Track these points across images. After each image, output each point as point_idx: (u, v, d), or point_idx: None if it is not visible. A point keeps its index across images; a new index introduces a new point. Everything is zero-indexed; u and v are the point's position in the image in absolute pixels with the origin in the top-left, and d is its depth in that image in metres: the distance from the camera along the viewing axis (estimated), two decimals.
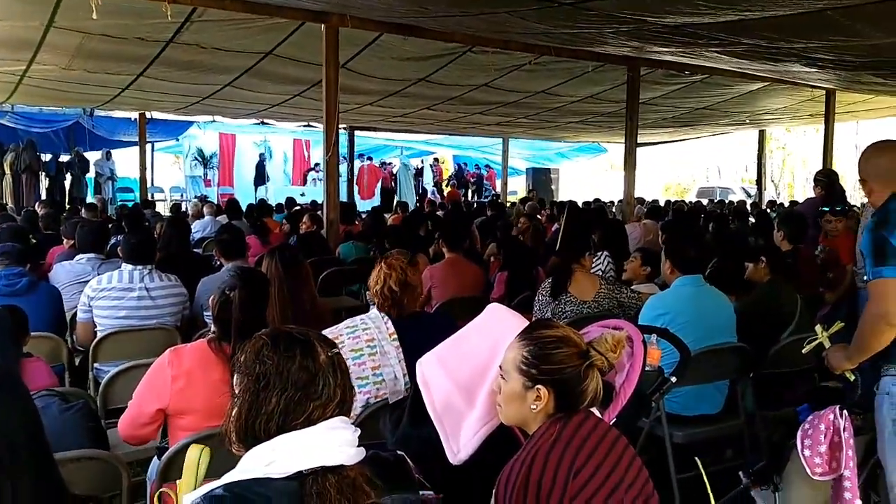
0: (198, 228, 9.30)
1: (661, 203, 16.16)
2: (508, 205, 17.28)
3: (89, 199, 15.75)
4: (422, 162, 24.55)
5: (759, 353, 3.79)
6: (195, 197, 17.61)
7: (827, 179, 6.90)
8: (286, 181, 22.16)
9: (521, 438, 1.99)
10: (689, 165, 34.22)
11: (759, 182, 18.95)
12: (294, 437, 1.46)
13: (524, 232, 8.06)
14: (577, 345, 1.87)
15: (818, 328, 2.82)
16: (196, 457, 1.68)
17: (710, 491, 1.59)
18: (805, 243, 5.95)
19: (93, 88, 10.89)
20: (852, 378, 2.69)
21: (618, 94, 10.74)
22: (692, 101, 12.97)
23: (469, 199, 22.82)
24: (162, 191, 20.56)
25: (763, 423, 3.80)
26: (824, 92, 11.92)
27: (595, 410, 1.96)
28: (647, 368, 2.19)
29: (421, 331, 2.79)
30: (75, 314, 4.31)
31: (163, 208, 16.92)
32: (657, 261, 5.09)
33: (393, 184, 21.90)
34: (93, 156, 17.51)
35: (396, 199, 19.46)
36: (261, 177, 20.78)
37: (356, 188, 20.46)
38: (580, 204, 13.66)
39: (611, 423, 2.02)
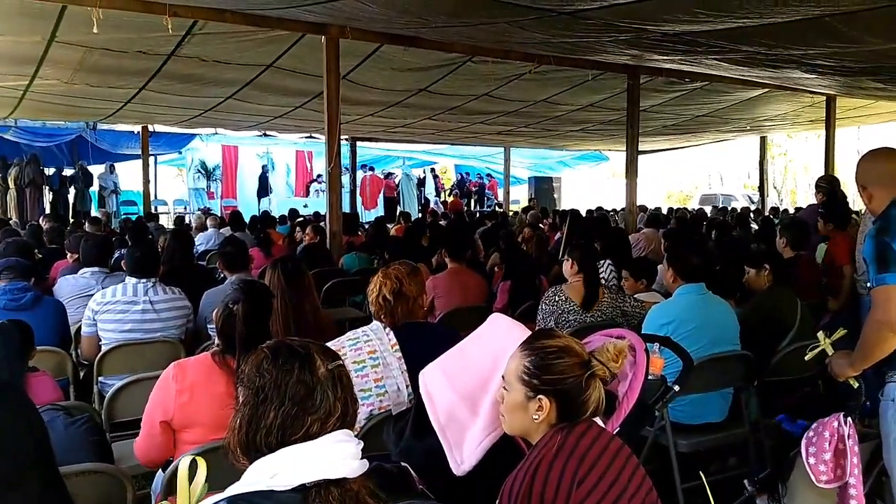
0: (201, 241, 9.32)
1: (664, 211, 16.18)
2: (511, 214, 17.30)
3: (93, 212, 15.80)
4: (423, 172, 24.59)
5: (761, 361, 3.79)
6: (198, 209, 17.66)
7: (829, 186, 6.89)
8: (289, 192, 22.22)
9: (525, 448, 1.99)
10: (692, 173, 34.24)
11: (761, 189, 18.94)
12: (298, 449, 1.47)
13: (527, 241, 8.07)
14: (578, 355, 1.87)
15: (821, 335, 2.82)
16: (186, 468, 1.69)
17: (712, 501, 1.59)
18: (807, 250, 5.96)
19: (95, 102, 10.95)
20: (856, 385, 2.69)
21: (618, 102, 10.77)
22: (693, 109, 12.98)
23: (471, 208, 22.86)
24: (165, 203, 20.62)
25: (767, 431, 3.78)
26: (825, 98, 11.93)
27: (598, 420, 1.96)
28: (649, 377, 2.19)
29: (423, 341, 2.79)
30: (80, 328, 4.32)
31: (166, 221, 16.97)
32: (650, 271, 5.11)
33: (396, 194, 21.93)
34: (96, 169, 17.57)
35: (399, 209, 19.48)
36: (264, 188, 20.85)
37: (359, 199, 20.50)
38: (583, 212, 13.69)
39: (614, 432, 2.01)
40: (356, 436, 2.43)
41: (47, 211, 15.35)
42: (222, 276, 5.06)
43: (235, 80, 9.48)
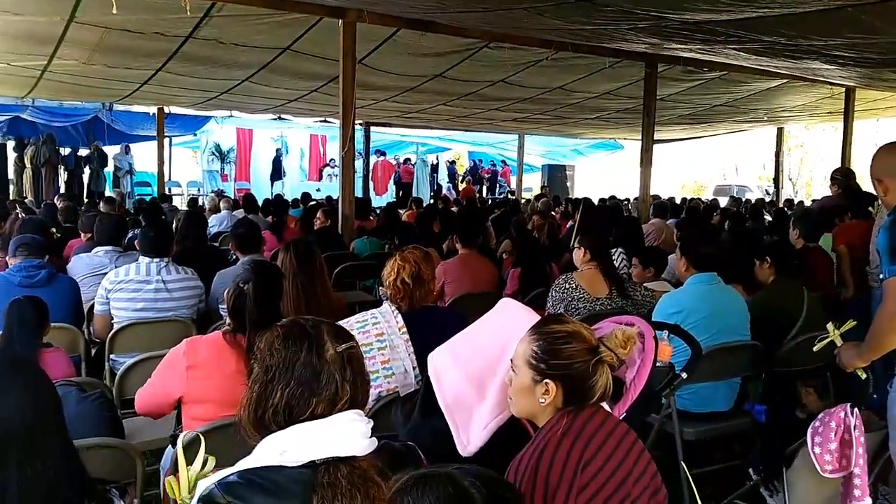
0: (214, 223, 9.37)
1: (678, 200, 16.10)
2: (523, 201, 17.27)
3: (107, 192, 15.90)
4: (436, 158, 24.56)
5: (768, 353, 3.78)
6: (212, 191, 17.73)
7: (843, 178, 6.85)
8: (302, 176, 22.27)
9: (531, 431, 2.00)
10: (707, 163, 34.01)
11: (776, 180, 18.79)
12: (308, 427, 1.49)
13: (538, 229, 8.06)
14: (586, 340, 1.88)
15: (830, 326, 2.82)
16: (182, 446, 1.72)
17: (697, 497, 1.61)
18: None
19: (112, 83, 11.00)
20: (864, 376, 2.69)
21: (635, 90, 10.69)
22: (710, 98, 12.87)
23: (484, 195, 22.83)
24: (179, 185, 20.73)
25: (773, 420, 3.78)
26: (844, 89, 11.80)
27: (605, 405, 1.97)
28: (657, 364, 2.20)
29: (433, 325, 2.81)
30: (92, 306, 4.37)
31: (180, 202, 17.06)
32: (659, 260, 5.09)
33: (412, 179, 21.94)
34: (112, 150, 17.68)
35: (412, 194, 19.51)
36: (277, 172, 20.90)
37: (371, 184, 20.52)
38: (595, 201, 13.64)
39: (621, 417, 2.03)
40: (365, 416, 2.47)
41: (62, 190, 15.47)
42: (234, 257, 5.09)
43: (252, 63, 9.48)
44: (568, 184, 23.38)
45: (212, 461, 1.68)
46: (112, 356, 4.09)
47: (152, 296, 4.19)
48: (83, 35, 7.85)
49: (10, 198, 13.79)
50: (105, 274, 4.40)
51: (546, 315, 2.10)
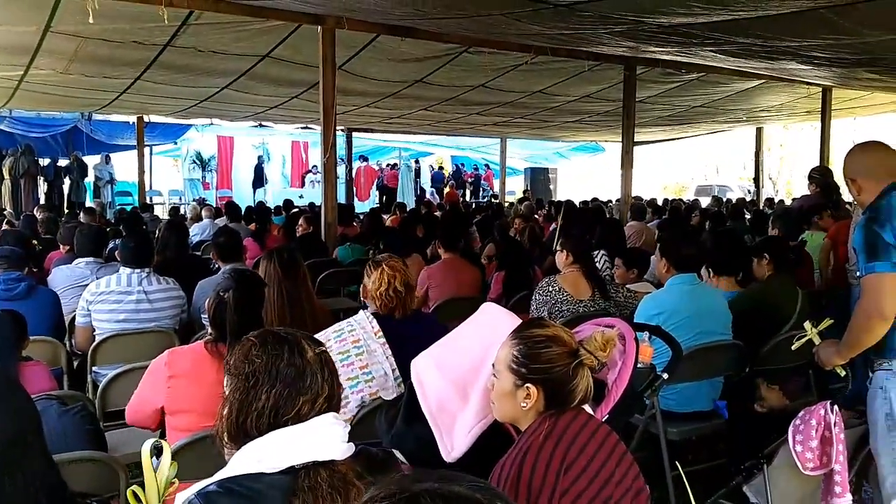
0: (196, 231, 9.32)
1: (660, 202, 16.19)
2: (507, 205, 17.31)
3: (88, 203, 15.77)
4: (416, 163, 24.57)
5: (749, 352, 3.82)
6: (193, 200, 17.65)
7: (821, 177, 6.92)
8: (285, 183, 22.20)
9: (515, 435, 2.01)
10: (688, 164, 34.24)
11: (756, 180, 18.95)
12: (285, 432, 1.50)
13: (520, 233, 8.08)
14: (566, 343, 1.89)
15: (807, 324, 2.85)
16: (148, 453, 1.72)
17: (690, 493, 1.62)
18: (802, 240, 5.98)
19: (90, 92, 10.91)
20: (843, 373, 2.72)
21: (614, 93, 10.76)
22: (689, 100, 12.98)
23: (467, 199, 22.87)
24: (160, 194, 20.59)
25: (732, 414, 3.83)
26: (821, 89, 11.94)
27: (587, 407, 1.98)
28: (639, 366, 2.21)
29: (416, 330, 2.82)
30: (74, 318, 4.33)
31: (161, 212, 16.95)
32: (642, 261, 5.12)
33: (392, 185, 21.92)
34: (92, 160, 17.54)
35: (396, 199, 19.50)
36: (259, 179, 20.83)
37: (354, 190, 20.50)
38: (578, 203, 13.69)
39: (603, 419, 2.04)
40: (349, 423, 2.47)
41: (42, 201, 15.33)
42: (217, 266, 5.07)
43: (231, 71, 9.45)
44: (551, 186, 23.46)
45: (174, 467, 1.67)
46: (94, 368, 4.06)
47: (134, 307, 4.17)
48: (60, 44, 7.79)
49: None
50: (86, 285, 4.37)
51: (526, 319, 2.11)
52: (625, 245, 6.55)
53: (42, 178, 16.45)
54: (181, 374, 2.55)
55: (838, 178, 7.44)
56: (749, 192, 22.42)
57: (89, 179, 17.48)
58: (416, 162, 24.19)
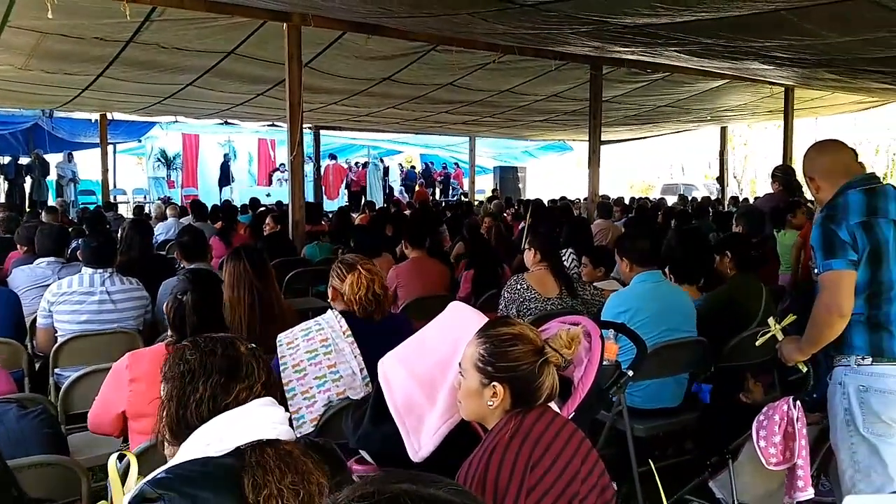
0: (161, 231, 9.19)
1: (627, 200, 16.35)
2: (476, 203, 17.34)
3: (50, 202, 15.48)
4: (388, 161, 24.49)
5: (714, 349, 3.86)
6: (158, 199, 17.41)
7: (784, 175, 7.04)
8: (251, 181, 21.99)
9: (482, 434, 2.01)
10: (654, 163, 34.60)
11: (721, 178, 19.21)
12: (228, 415, 1.54)
13: (488, 231, 8.11)
14: (532, 342, 1.90)
15: (771, 321, 2.89)
16: (114, 465, 1.73)
17: (661, 488, 1.64)
18: (764, 237, 6.08)
19: (51, 89, 10.70)
20: (804, 369, 2.76)
21: (581, 92, 10.84)
22: (654, 99, 13.12)
23: (437, 198, 22.86)
24: (125, 193, 20.29)
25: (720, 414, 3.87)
26: (783, 89, 12.14)
27: (553, 405, 1.99)
28: (604, 363, 2.23)
29: (388, 330, 2.81)
30: (35, 319, 4.24)
31: (125, 211, 16.69)
32: (609, 259, 5.17)
33: (360, 183, 21.80)
34: (54, 158, 17.20)
35: (364, 198, 19.42)
36: (225, 177, 20.59)
37: (323, 188, 20.37)
38: (546, 202, 13.77)
39: (569, 416, 2.05)
40: (317, 424, 2.46)
41: (2, 200, 15.00)
42: (181, 266, 5.00)
43: (196, 67, 9.33)
44: (519, 185, 23.57)
45: (140, 480, 1.67)
46: (56, 370, 3.98)
47: (96, 307, 4.10)
48: (18, 40, 7.63)
49: None
50: (47, 286, 4.28)
51: (492, 317, 2.11)
52: (592, 243, 6.60)
53: (2, 176, 16.10)
54: (142, 377, 2.51)
55: (801, 176, 7.59)
56: (715, 190, 22.71)
57: (51, 178, 17.15)
58: (382, 161, 24.10)
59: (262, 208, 12.01)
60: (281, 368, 2.67)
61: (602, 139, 10.44)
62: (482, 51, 8.70)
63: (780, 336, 2.84)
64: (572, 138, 21.70)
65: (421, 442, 2.05)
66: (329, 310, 2.92)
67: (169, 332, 2.71)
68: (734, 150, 27.34)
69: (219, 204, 12.96)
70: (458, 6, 6.32)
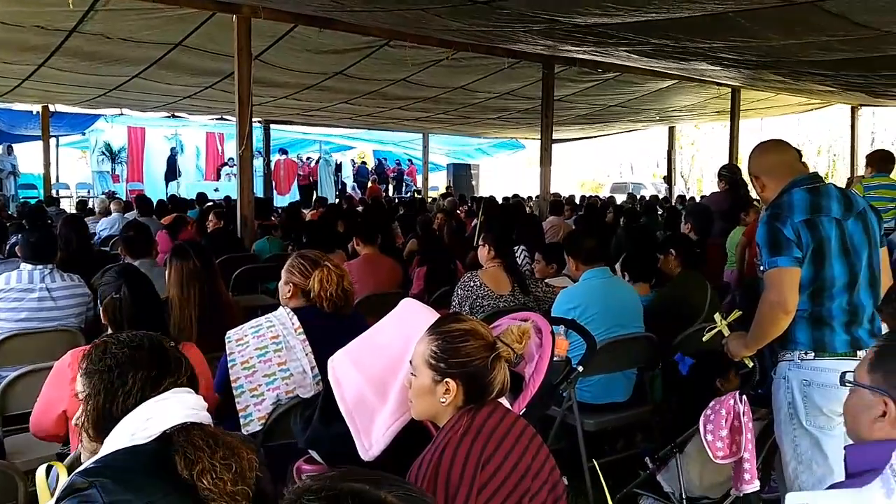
0: (104, 226, 8.96)
1: (577, 199, 16.53)
2: (429, 200, 17.33)
3: None
4: (340, 156, 24.29)
5: (670, 343, 3.92)
6: (103, 193, 16.96)
7: (730, 174, 7.18)
8: (199, 176, 21.55)
9: (433, 432, 2.00)
10: (604, 162, 35.08)
11: (668, 177, 19.55)
12: (148, 405, 1.55)
13: (440, 228, 8.10)
14: (484, 337, 1.89)
15: (717, 317, 2.93)
16: (43, 475, 1.71)
17: (604, 486, 1.65)
18: (713, 236, 6.20)
19: None
20: (751, 364, 2.82)
21: (534, 90, 10.90)
22: (605, 99, 13.27)
23: (390, 194, 22.78)
24: (68, 187, 19.73)
25: (668, 408, 3.94)
26: (730, 90, 12.40)
27: (504, 401, 1.99)
28: (555, 359, 2.24)
29: (342, 328, 2.77)
30: None
31: (68, 205, 16.23)
32: (561, 255, 5.21)
33: (311, 179, 21.58)
34: None
35: (316, 194, 19.22)
36: (172, 172, 20.17)
37: (273, 183, 20.10)
38: (500, 199, 13.84)
39: (521, 412, 2.05)
40: (265, 423, 2.42)
41: None
42: (126, 262, 4.87)
43: (142, 59, 9.11)
44: (473, 182, 23.63)
45: None
46: None
47: (36, 305, 3.96)
48: None
49: None
50: None
51: (444, 314, 2.10)
52: (544, 241, 6.65)
53: None
54: None
55: (746, 175, 7.76)
56: (663, 189, 23.12)
57: None
58: (329, 155, 23.88)
59: (210, 203, 11.80)
60: (229, 365, 2.61)
61: (553, 138, 10.52)
62: (435, 47, 8.68)
63: (726, 332, 2.88)
64: (525, 136, 21.84)
65: (372, 440, 2.03)
66: (281, 306, 2.86)
67: (110, 331, 2.63)
68: (682, 149, 27.85)
69: (164, 199, 12.69)
70: (412, 1, 6.28)
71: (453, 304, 4.49)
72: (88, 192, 19.30)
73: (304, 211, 11.28)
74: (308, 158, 22.62)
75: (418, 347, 1.92)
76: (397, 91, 11.81)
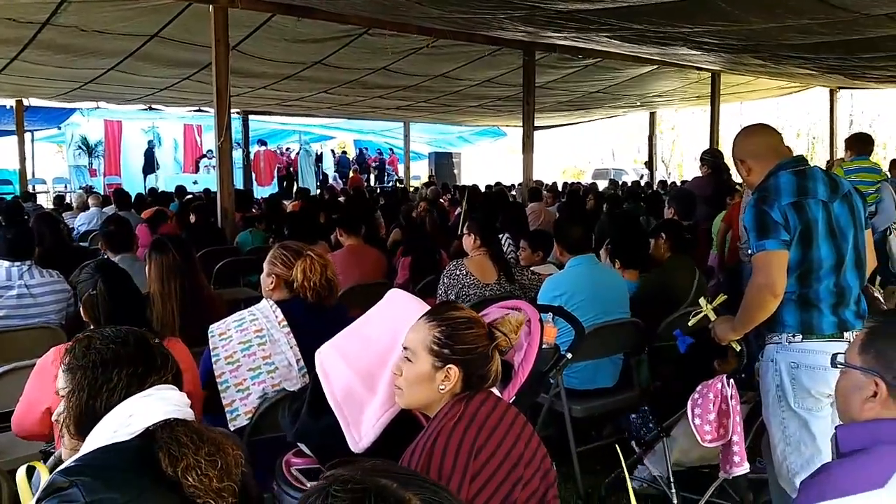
0: (82, 221, 8.86)
1: (560, 186, 16.54)
2: (412, 190, 17.27)
3: None
4: (321, 147, 24.15)
5: (647, 329, 3.92)
6: (80, 188, 16.77)
7: (712, 158, 7.19)
8: (177, 169, 21.34)
9: (424, 422, 1.98)
10: (585, 148, 35.12)
11: (649, 163, 19.62)
12: (131, 402, 1.52)
13: (422, 217, 8.07)
14: (483, 326, 1.91)
15: (702, 301, 2.94)
16: (24, 476, 1.67)
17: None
18: (696, 220, 6.21)
19: None
20: (738, 348, 2.82)
21: (515, 77, 10.88)
22: (586, 85, 13.27)
23: (372, 184, 22.68)
24: (44, 182, 19.50)
25: (656, 393, 3.94)
26: (710, 74, 12.44)
27: (495, 389, 1.98)
28: (543, 346, 2.23)
29: (326, 320, 2.74)
30: None
31: (45, 201, 16.03)
32: (547, 243, 5.21)
33: (291, 169, 21.42)
34: None
35: (297, 185, 19.09)
36: (150, 165, 19.96)
37: (253, 175, 19.95)
38: (482, 187, 13.81)
39: (510, 401, 2.04)
40: (252, 417, 2.39)
41: None
42: (105, 256, 4.81)
43: (118, 51, 8.99)
44: (455, 171, 23.59)
45: None
46: None
47: (15, 302, 3.91)
48: None
49: None
50: None
51: (439, 302, 2.09)
52: (528, 228, 6.64)
53: None
54: None
55: (728, 159, 7.78)
56: (645, 174, 23.20)
57: None
58: (309, 146, 23.72)
59: (190, 195, 11.68)
60: (213, 360, 2.58)
61: (535, 125, 10.51)
62: (415, 35, 8.62)
63: (712, 316, 2.89)
64: (506, 124, 21.81)
65: (361, 432, 2.01)
66: (264, 299, 2.83)
67: (92, 327, 2.59)
68: (662, 134, 27.92)
69: (143, 193, 12.55)
70: None
71: (439, 293, 4.47)
72: (65, 186, 19.11)
73: (285, 202, 11.20)
74: (288, 149, 22.46)
75: (416, 334, 1.90)
76: (377, 80, 11.74)
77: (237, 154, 16.74)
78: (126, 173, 20.12)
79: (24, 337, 3.84)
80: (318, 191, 17.24)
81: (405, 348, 1.92)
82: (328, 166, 23.94)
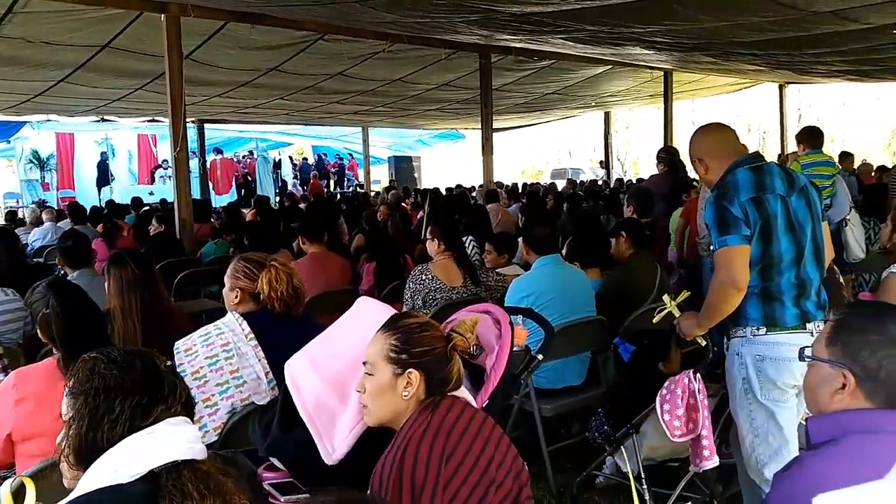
0: (37, 236, 8.64)
1: (520, 186, 16.64)
2: (373, 194, 17.21)
3: None
4: (279, 153, 23.93)
5: (613, 326, 3.97)
6: (33, 202, 16.37)
7: (668, 156, 7.27)
8: (132, 180, 20.99)
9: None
10: (543, 149, 35.39)
11: (605, 162, 19.84)
12: (138, 437, 1.39)
13: (384, 222, 8.05)
14: (438, 329, 1.94)
15: (666, 298, 2.98)
16: (9, 492, 1.58)
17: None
18: (654, 218, 6.29)
19: None
20: (703, 343, 2.86)
21: (472, 81, 10.91)
22: (542, 87, 13.38)
23: (331, 190, 22.53)
24: None
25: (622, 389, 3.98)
26: (662, 73, 12.64)
27: (467, 393, 1.98)
28: (514, 349, 2.23)
29: (294, 331, 2.71)
30: None
31: None
32: (512, 245, 5.23)
33: (249, 177, 21.17)
34: None
35: (255, 193, 18.88)
36: (104, 177, 19.58)
37: (210, 184, 19.67)
38: (443, 190, 13.83)
39: (483, 405, 2.04)
40: (221, 431, 2.34)
41: None
42: (62, 272, 4.69)
43: (68, 63, 8.79)
44: (415, 175, 23.57)
45: None
46: None
47: None
48: None
49: None
50: None
51: (394, 313, 2.09)
52: (491, 230, 6.66)
53: None
54: (30, 396, 2.33)
55: (684, 156, 7.90)
56: (601, 173, 23.44)
57: None
58: (266, 153, 23.49)
59: (146, 207, 11.47)
60: None
61: (494, 127, 10.56)
62: (371, 40, 8.60)
63: (676, 312, 2.93)
64: (465, 127, 21.86)
65: (335, 444, 1.99)
66: (229, 312, 2.78)
67: (54, 350, 2.53)
68: (617, 133, 28.25)
69: (98, 205, 12.29)
70: None
71: (405, 298, 4.46)
72: (17, 201, 18.64)
73: (244, 210, 11.07)
74: (245, 157, 22.19)
75: (373, 347, 1.91)
76: (334, 85, 11.68)
77: (193, 163, 16.50)
78: (80, 186, 19.74)
79: None
80: (278, 198, 17.07)
81: (365, 363, 1.92)
82: (287, 173, 23.74)
